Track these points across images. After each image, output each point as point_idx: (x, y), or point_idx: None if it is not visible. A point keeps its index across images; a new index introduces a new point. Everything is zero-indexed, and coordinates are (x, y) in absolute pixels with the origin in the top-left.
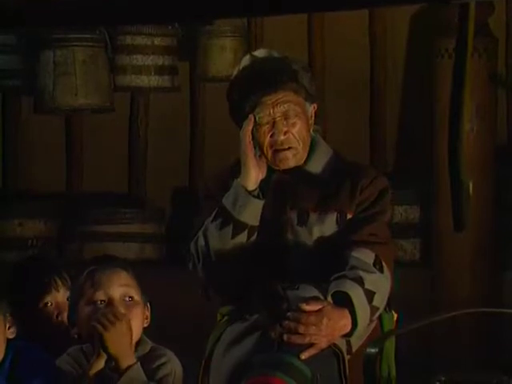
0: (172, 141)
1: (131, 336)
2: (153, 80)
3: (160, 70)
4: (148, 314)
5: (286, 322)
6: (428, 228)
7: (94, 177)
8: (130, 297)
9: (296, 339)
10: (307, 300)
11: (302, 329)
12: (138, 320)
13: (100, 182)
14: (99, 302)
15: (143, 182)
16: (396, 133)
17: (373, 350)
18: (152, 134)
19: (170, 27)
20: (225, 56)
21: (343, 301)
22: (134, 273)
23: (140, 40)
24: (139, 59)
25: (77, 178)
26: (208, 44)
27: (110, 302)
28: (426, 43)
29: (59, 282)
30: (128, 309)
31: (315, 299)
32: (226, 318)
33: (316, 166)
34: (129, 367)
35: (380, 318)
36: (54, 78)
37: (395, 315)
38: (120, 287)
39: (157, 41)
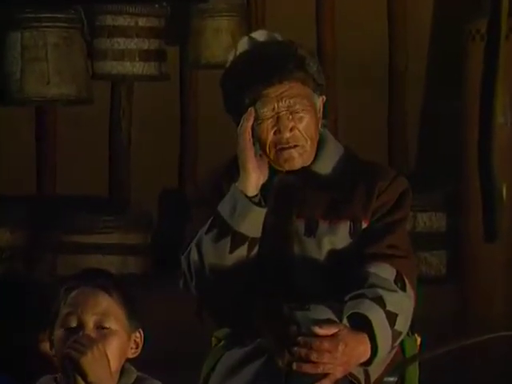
0: (159, 136)
1: (109, 363)
2: (137, 67)
3: (145, 56)
4: (139, 341)
5: (296, 348)
6: (456, 238)
7: (68, 178)
8: (105, 327)
9: (307, 368)
10: (320, 323)
11: (314, 356)
12: (111, 353)
13: (76, 185)
14: (70, 327)
15: (126, 184)
16: (418, 128)
17: (391, 379)
18: (136, 128)
19: (156, 6)
20: (220, 39)
21: (361, 324)
22: (122, 294)
23: (122, 20)
24: (121, 43)
25: (49, 180)
26: (201, 25)
27: (81, 329)
28: (453, 24)
29: None
30: (101, 339)
31: (329, 322)
32: (222, 342)
33: (325, 167)
34: None
35: (401, 342)
36: (21, 65)
37: (418, 339)
38: (94, 315)
39: (142, 21)
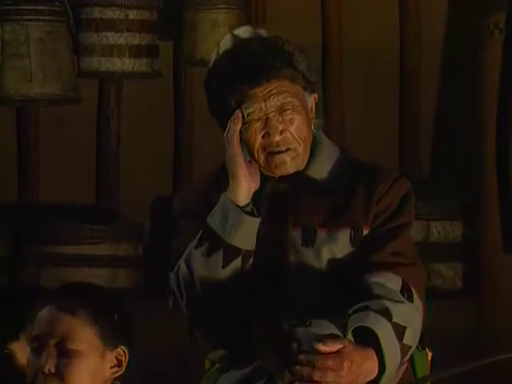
0: (151, 139)
1: None
2: (127, 63)
3: (136, 51)
4: (122, 359)
5: (298, 367)
6: (473, 249)
7: (53, 184)
8: (68, 349)
9: None
10: (323, 339)
11: (317, 375)
12: (79, 375)
13: (61, 191)
14: (34, 350)
15: (115, 191)
16: (432, 130)
17: None
18: (126, 130)
19: None
20: (217, 33)
21: (367, 339)
22: (93, 312)
23: (111, 13)
24: (110, 37)
25: (31, 186)
26: (196, 18)
27: (42, 351)
28: (470, 17)
29: None
30: (64, 363)
31: (333, 337)
32: (217, 365)
33: (320, 171)
34: None
35: (411, 357)
36: (1, 61)
37: (429, 354)
38: (56, 338)
39: (132, 14)
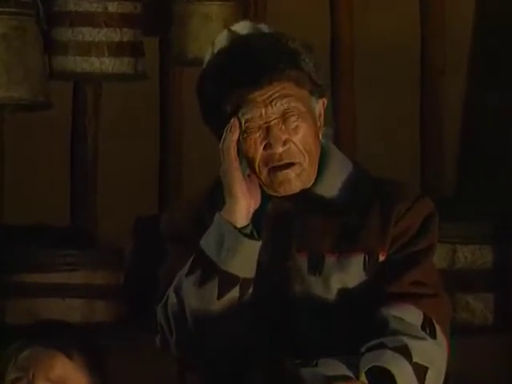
0: (134, 149)
1: None
2: (106, 63)
3: (117, 50)
4: None
5: None
6: (505, 277)
7: (20, 202)
8: None
9: None
10: (332, 380)
11: None
12: None
13: (29, 210)
14: None
15: (92, 211)
16: (458, 139)
17: None
18: (105, 140)
19: None
20: (211, 28)
21: (383, 381)
22: (86, 356)
23: (87, 5)
24: (86, 33)
25: None
26: (186, 11)
27: None
28: (502, 11)
29: None
30: None
31: (344, 379)
32: None
33: (330, 188)
34: None
35: None
36: None
37: None
38: (49, 382)
39: (112, 7)
